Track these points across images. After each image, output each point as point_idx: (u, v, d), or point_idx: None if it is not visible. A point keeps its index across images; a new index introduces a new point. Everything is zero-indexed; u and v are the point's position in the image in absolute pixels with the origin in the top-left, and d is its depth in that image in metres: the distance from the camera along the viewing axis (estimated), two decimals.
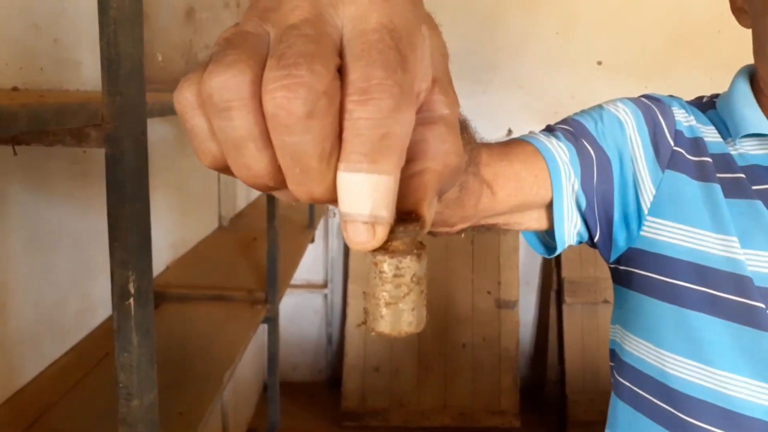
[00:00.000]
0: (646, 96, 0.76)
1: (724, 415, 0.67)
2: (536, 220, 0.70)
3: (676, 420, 0.70)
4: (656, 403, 0.72)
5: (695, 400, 0.68)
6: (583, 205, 0.69)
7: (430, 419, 2.87)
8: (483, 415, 2.89)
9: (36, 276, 1.12)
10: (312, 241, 2.40)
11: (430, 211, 0.27)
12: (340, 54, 0.25)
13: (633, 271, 0.74)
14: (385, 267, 0.27)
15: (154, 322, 0.68)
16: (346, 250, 3.14)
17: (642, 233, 0.71)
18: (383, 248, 0.26)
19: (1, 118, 0.45)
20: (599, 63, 3.02)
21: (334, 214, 2.98)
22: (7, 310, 1.04)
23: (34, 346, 1.11)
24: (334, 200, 0.25)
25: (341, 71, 0.24)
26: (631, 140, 0.70)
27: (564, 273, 2.97)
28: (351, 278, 3.05)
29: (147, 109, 0.68)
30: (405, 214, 0.27)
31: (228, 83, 0.24)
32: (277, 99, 0.23)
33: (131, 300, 0.64)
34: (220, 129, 0.25)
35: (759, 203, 0.67)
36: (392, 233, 0.26)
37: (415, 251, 0.27)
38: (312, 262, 3.15)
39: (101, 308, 1.34)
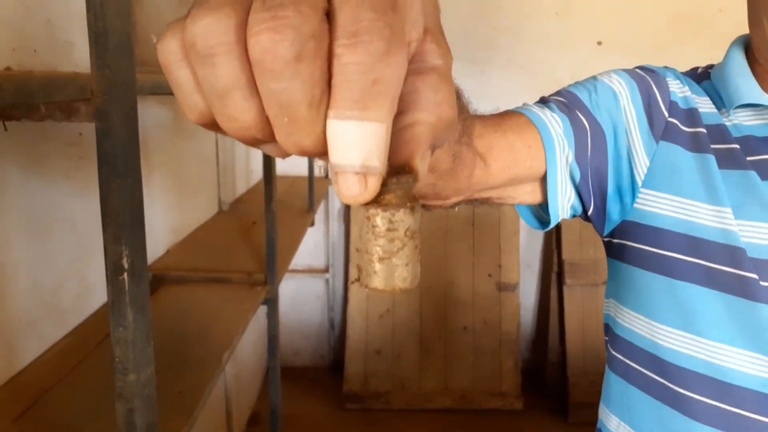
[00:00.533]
0: (640, 67, 0.75)
1: (716, 386, 0.67)
2: (530, 194, 0.70)
3: (668, 392, 0.70)
4: (648, 375, 0.72)
5: (687, 372, 0.68)
6: (577, 177, 0.68)
7: (432, 401, 2.88)
8: (484, 397, 2.91)
9: (34, 259, 1.12)
10: (312, 224, 2.40)
11: (423, 164, 0.26)
12: None
13: (626, 244, 0.73)
14: (378, 221, 0.26)
15: (149, 299, 0.68)
16: (347, 235, 3.14)
17: (636, 206, 0.71)
18: (376, 202, 0.26)
19: None
20: (599, 43, 3.00)
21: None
22: (5, 293, 1.04)
23: (32, 329, 1.11)
24: (324, 152, 0.24)
25: (330, 16, 0.23)
26: (625, 111, 0.69)
27: (564, 255, 2.97)
28: (352, 262, 3.06)
29: (138, 85, 0.67)
30: (398, 168, 0.26)
31: (211, 28, 0.23)
32: (262, 42, 0.22)
33: (125, 275, 0.64)
34: (204, 78, 0.24)
35: (753, 174, 0.66)
36: (385, 186, 0.25)
37: (408, 204, 0.26)
38: (313, 247, 3.15)
39: (100, 291, 1.34)
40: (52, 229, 1.18)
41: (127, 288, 0.64)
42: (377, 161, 0.24)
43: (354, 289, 3.01)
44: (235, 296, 1.46)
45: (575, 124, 0.67)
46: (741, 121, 0.70)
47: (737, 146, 0.68)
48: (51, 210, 1.17)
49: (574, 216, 0.74)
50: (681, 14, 2.92)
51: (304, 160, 2.61)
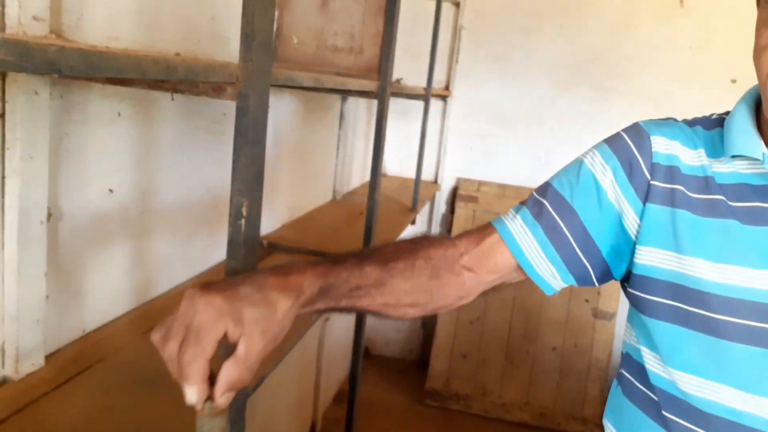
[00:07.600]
0: (631, 128, 0.86)
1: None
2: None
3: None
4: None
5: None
6: (565, 267, 0.83)
7: (511, 413, 2.93)
8: (564, 418, 2.92)
9: (175, 211, 1.36)
10: (413, 222, 2.55)
11: (222, 399, 0.61)
12: None
13: (635, 293, 0.83)
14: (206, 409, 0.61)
15: (258, 241, 0.86)
16: None
17: (635, 260, 0.81)
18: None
19: (167, 67, 0.64)
20: (733, 81, 2.92)
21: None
22: (150, 234, 1.28)
23: (167, 267, 1.35)
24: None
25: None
26: (609, 190, 0.81)
27: None
28: None
29: (274, 77, 0.86)
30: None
31: (167, 347, 0.60)
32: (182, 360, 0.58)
33: (243, 221, 0.82)
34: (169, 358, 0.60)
35: (734, 222, 0.74)
36: (207, 401, 0.61)
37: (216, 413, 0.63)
38: None
39: (224, 250, 1.57)
40: (192, 190, 1.42)
41: (242, 230, 0.83)
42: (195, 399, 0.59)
43: None
44: None
45: (547, 227, 0.83)
46: (737, 169, 0.78)
47: (721, 197, 0.76)
48: (194, 173, 1.41)
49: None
50: None
51: (414, 162, 2.75)
